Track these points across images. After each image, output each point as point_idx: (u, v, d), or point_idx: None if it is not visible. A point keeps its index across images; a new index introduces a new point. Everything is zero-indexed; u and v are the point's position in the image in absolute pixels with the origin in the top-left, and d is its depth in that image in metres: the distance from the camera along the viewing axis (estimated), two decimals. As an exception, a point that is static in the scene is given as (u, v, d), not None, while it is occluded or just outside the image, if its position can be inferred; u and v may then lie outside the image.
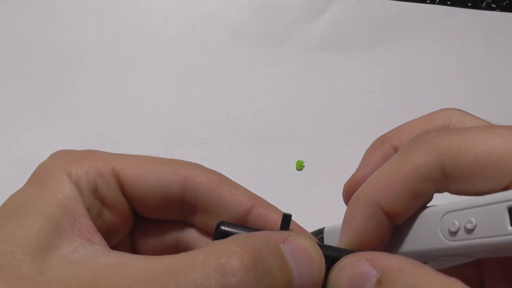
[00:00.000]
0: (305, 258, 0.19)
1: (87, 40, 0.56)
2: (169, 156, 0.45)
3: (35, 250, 0.18)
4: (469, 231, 0.18)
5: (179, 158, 0.45)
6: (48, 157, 0.24)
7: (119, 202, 0.24)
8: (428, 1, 0.60)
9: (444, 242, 0.19)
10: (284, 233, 0.20)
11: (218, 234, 0.22)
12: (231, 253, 0.17)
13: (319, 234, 0.29)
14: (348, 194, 0.25)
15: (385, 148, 0.26)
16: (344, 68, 0.56)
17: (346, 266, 0.19)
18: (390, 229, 0.20)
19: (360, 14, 0.59)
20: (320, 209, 0.44)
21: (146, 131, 0.50)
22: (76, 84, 0.53)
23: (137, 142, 0.49)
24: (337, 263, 0.19)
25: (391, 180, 0.20)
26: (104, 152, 0.24)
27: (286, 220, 0.22)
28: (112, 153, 0.24)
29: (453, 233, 0.19)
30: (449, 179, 0.19)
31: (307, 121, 0.51)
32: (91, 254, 0.19)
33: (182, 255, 0.18)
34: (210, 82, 0.54)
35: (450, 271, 0.23)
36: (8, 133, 0.48)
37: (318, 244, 0.21)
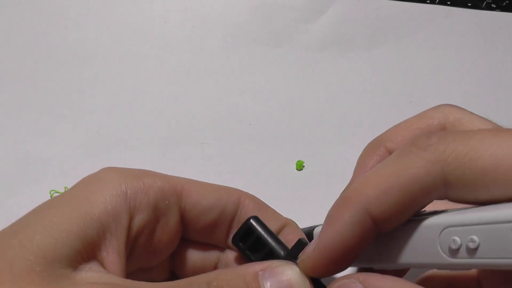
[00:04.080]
0: (282, 286, 0.20)
1: (87, 40, 0.56)
2: (168, 157, 0.46)
3: (47, 262, 0.18)
4: (472, 250, 0.17)
5: (179, 158, 0.45)
6: (101, 169, 0.23)
7: (174, 221, 0.24)
8: (428, 1, 0.60)
9: (445, 259, 0.18)
10: (267, 262, 0.21)
11: (243, 226, 0.24)
12: (210, 281, 0.19)
13: (309, 233, 0.29)
14: None
15: (380, 152, 0.26)
16: (344, 68, 0.56)
17: None
18: (373, 236, 0.19)
19: (360, 14, 0.59)
20: (320, 209, 0.44)
21: (146, 131, 0.50)
22: (76, 84, 0.53)
23: (137, 142, 0.49)
24: (330, 285, 0.19)
25: (387, 187, 0.19)
26: (161, 173, 0.25)
27: (298, 246, 0.22)
28: (169, 175, 0.25)
29: (454, 251, 0.17)
30: (451, 189, 0.18)
31: (307, 121, 0.51)
32: (96, 276, 0.19)
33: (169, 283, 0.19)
34: (210, 82, 0.54)
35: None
36: (8, 133, 0.48)
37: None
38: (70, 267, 0.19)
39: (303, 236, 0.26)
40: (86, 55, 0.55)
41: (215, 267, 0.27)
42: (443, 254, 0.18)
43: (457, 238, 0.17)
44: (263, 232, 0.23)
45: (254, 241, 0.23)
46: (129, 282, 0.19)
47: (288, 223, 0.26)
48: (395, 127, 0.26)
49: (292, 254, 0.22)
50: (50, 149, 0.47)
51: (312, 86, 0.55)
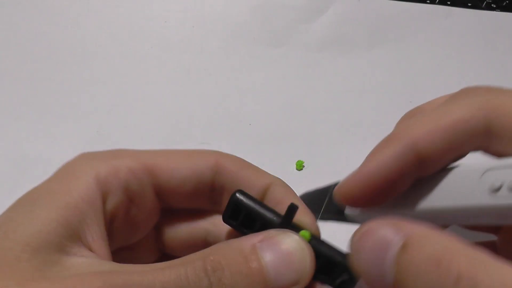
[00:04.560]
0: (282, 259, 0.19)
1: (87, 40, 0.56)
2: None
3: (33, 250, 0.18)
4: None
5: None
6: (75, 157, 0.24)
7: (149, 199, 0.24)
8: (428, 1, 0.60)
9: (486, 199, 0.18)
10: (264, 232, 0.20)
11: (230, 203, 0.23)
12: (206, 257, 0.19)
13: (326, 191, 0.28)
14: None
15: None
16: (344, 68, 0.56)
17: (369, 232, 0.18)
18: (412, 179, 0.19)
19: (360, 14, 0.59)
20: (320, 209, 0.44)
21: (146, 131, 0.50)
22: (76, 84, 0.53)
23: (137, 142, 0.49)
24: (358, 229, 0.18)
25: (434, 126, 0.19)
26: (132, 150, 0.24)
27: (291, 211, 0.21)
28: (140, 150, 0.24)
29: (496, 190, 0.17)
30: (492, 138, 0.18)
31: (307, 121, 0.51)
32: (87, 261, 0.19)
33: (164, 264, 0.19)
34: (210, 82, 0.54)
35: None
36: (8, 133, 0.48)
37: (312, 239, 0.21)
38: (58, 252, 0.19)
39: (291, 192, 0.25)
40: (86, 55, 0.55)
41: (204, 240, 0.26)
42: (483, 194, 0.18)
43: (498, 179, 0.17)
44: (252, 204, 0.22)
45: (244, 216, 0.22)
46: (120, 266, 0.19)
47: (273, 182, 0.25)
48: (434, 100, 0.26)
49: (286, 221, 0.22)
50: (50, 149, 0.47)
51: (312, 86, 0.55)
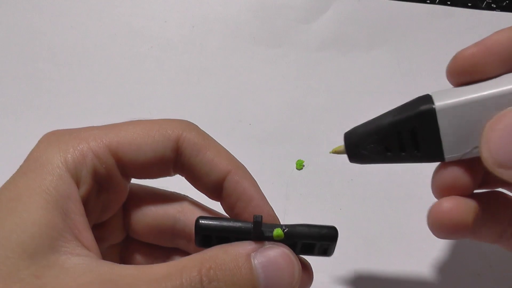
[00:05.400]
0: (273, 267, 0.20)
1: (87, 40, 0.56)
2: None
3: (30, 256, 0.18)
4: None
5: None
6: (39, 143, 0.24)
7: (115, 179, 0.24)
8: (428, 1, 0.60)
9: None
10: (256, 244, 0.22)
11: (197, 232, 0.23)
12: (202, 267, 0.19)
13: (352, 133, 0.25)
14: (454, 65, 0.25)
15: None
16: (344, 68, 0.56)
17: (502, 115, 0.19)
18: None
19: (360, 14, 0.59)
20: (320, 208, 0.44)
21: (146, 131, 0.50)
22: (75, 84, 0.53)
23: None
24: (494, 115, 0.19)
25: None
26: (94, 128, 0.25)
27: (257, 224, 0.22)
28: (102, 127, 0.24)
29: None
30: None
31: (307, 121, 0.51)
32: (84, 262, 0.20)
33: (162, 265, 0.20)
34: (210, 82, 0.54)
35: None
36: (8, 133, 0.48)
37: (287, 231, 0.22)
38: (53, 254, 0.19)
39: (249, 179, 0.25)
40: (86, 55, 0.55)
41: (172, 228, 0.26)
42: None
43: None
44: (219, 226, 0.23)
45: (217, 237, 0.23)
46: (112, 268, 0.19)
47: (232, 170, 0.25)
48: None
49: (257, 232, 0.22)
50: (50, 149, 0.47)
51: (312, 86, 0.55)
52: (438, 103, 0.21)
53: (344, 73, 0.56)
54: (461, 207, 0.23)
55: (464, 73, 0.23)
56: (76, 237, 0.21)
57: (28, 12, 0.56)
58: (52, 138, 0.24)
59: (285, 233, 0.23)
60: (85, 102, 0.52)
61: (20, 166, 0.23)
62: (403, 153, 0.23)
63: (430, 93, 0.22)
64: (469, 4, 0.61)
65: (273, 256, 0.21)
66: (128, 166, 0.24)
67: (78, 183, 0.22)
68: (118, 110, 0.51)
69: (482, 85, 0.22)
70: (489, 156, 0.19)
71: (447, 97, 0.22)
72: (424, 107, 0.22)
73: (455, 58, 0.24)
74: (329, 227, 0.24)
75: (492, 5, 0.61)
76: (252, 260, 0.20)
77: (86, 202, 0.23)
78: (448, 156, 0.22)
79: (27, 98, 0.51)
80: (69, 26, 0.56)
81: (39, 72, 0.53)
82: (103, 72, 0.54)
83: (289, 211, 0.43)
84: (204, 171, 0.25)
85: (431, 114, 0.22)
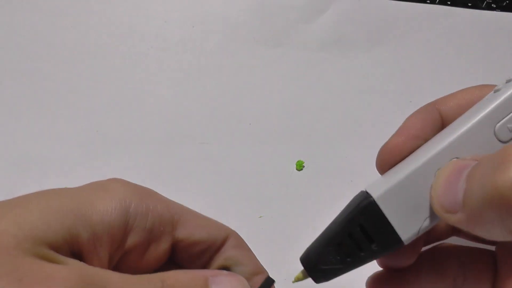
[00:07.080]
0: None
1: (87, 40, 0.56)
2: (168, 157, 0.45)
3: (35, 244, 0.18)
4: None
5: (179, 158, 0.45)
6: (109, 179, 0.24)
7: (164, 248, 0.25)
8: (428, 1, 0.60)
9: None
10: (217, 271, 0.23)
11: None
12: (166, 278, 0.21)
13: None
14: (382, 161, 0.25)
15: (432, 114, 0.26)
16: (344, 68, 0.56)
17: (451, 163, 0.20)
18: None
19: (360, 14, 0.59)
20: (320, 209, 0.44)
21: (146, 131, 0.50)
22: (75, 84, 0.53)
23: (137, 142, 0.49)
24: (443, 167, 0.20)
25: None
26: (162, 196, 0.25)
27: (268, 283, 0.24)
28: (168, 199, 0.25)
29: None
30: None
31: (307, 121, 0.51)
32: (77, 264, 0.20)
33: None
34: (210, 82, 0.54)
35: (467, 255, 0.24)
36: (8, 133, 0.48)
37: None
38: (56, 254, 0.19)
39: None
40: (86, 55, 0.55)
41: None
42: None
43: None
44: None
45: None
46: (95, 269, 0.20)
47: (259, 272, 0.26)
48: (450, 94, 0.27)
49: None
50: (50, 149, 0.47)
51: (312, 85, 0.55)
52: (375, 194, 0.22)
53: (344, 73, 0.56)
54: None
55: (393, 163, 0.24)
56: (86, 261, 0.20)
57: (28, 12, 0.56)
58: (124, 181, 0.24)
59: None
60: (85, 101, 0.52)
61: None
62: (362, 253, 0.24)
63: (363, 189, 0.23)
64: (469, 4, 0.61)
65: (229, 282, 0.22)
66: (181, 241, 0.25)
67: (130, 231, 0.22)
68: (118, 110, 0.51)
69: (408, 160, 0.24)
70: (435, 202, 0.20)
71: (382, 185, 0.23)
72: (363, 202, 0.23)
73: (381, 154, 0.25)
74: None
75: (492, 5, 0.61)
76: (209, 285, 0.21)
77: (129, 253, 0.23)
78: (405, 237, 0.22)
79: (27, 98, 0.51)
80: (69, 26, 0.56)
81: (39, 71, 0.53)
82: (102, 72, 0.54)
83: (289, 212, 0.43)
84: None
85: (373, 206, 0.22)
